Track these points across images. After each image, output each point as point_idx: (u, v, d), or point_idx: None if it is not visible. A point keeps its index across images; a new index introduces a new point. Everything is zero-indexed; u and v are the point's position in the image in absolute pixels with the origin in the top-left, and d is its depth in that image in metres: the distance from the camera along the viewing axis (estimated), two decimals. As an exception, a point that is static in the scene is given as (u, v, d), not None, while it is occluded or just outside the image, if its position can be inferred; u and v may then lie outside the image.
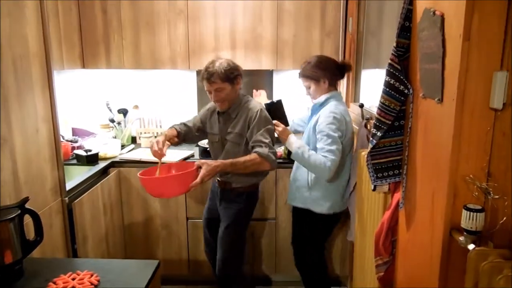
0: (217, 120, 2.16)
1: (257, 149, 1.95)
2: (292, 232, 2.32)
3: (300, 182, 2.14)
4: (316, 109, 2.13)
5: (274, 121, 2.08)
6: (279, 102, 2.12)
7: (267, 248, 2.70)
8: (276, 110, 2.13)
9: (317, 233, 2.24)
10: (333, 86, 2.15)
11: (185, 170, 1.92)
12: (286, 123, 2.09)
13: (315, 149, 2.04)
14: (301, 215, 2.19)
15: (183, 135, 2.24)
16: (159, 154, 1.99)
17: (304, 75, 2.14)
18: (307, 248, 2.26)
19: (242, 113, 2.06)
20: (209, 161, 1.91)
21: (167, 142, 2.08)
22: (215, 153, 2.21)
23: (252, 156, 1.95)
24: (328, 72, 2.10)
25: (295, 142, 2.03)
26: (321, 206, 2.12)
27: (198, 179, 1.84)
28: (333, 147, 1.97)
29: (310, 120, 2.17)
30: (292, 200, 2.21)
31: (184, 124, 2.27)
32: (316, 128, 2.03)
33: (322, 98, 2.10)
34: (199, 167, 1.89)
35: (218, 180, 2.18)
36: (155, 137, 2.92)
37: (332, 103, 2.09)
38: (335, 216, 2.19)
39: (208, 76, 2.00)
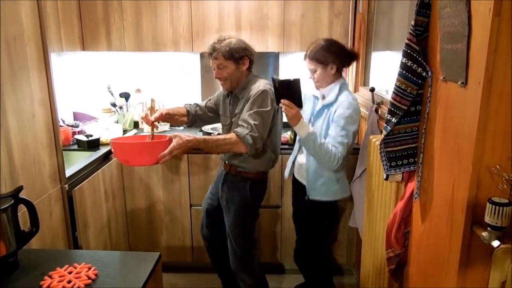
0: (229, 102, 2.08)
1: (238, 128, 1.86)
2: (308, 227, 2.19)
3: (325, 177, 2.03)
4: (330, 103, 1.99)
5: (287, 102, 1.84)
6: (297, 81, 1.85)
7: (273, 236, 2.65)
8: (291, 89, 1.86)
9: (334, 220, 2.23)
10: (339, 73, 2.02)
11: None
12: (299, 105, 1.87)
13: None
14: (324, 207, 2.11)
15: (193, 115, 2.20)
16: (146, 119, 1.98)
17: (312, 58, 1.98)
18: (319, 240, 2.20)
19: (247, 94, 1.97)
20: (183, 135, 1.80)
21: (161, 111, 2.04)
22: None
23: (229, 135, 1.87)
24: (337, 58, 1.96)
25: (307, 127, 1.89)
26: (347, 191, 2.11)
27: (166, 151, 1.74)
28: (345, 141, 1.89)
29: (321, 111, 2.03)
30: (318, 195, 2.07)
31: (197, 105, 2.22)
32: (334, 117, 1.93)
33: (336, 89, 1.98)
34: (171, 139, 1.80)
35: (224, 162, 2.11)
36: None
37: (347, 92, 1.98)
38: None
39: (211, 51, 1.94)
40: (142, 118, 2.02)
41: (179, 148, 1.77)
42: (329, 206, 2.12)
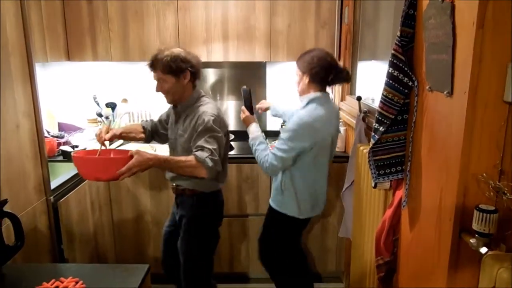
0: (174, 116, 2.02)
1: (197, 152, 1.78)
2: (262, 230, 2.21)
3: (276, 183, 2.07)
4: (296, 111, 1.98)
5: (243, 107, 2.16)
6: (244, 90, 2.18)
7: (250, 245, 2.64)
8: (243, 97, 2.19)
9: (284, 235, 2.16)
10: (317, 85, 1.95)
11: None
12: (251, 111, 2.17)
13: None
14: (273, 215, 2.12)
15: (150, 132, 2.15)
16: (99, 137, 1.93)
17: (296, 61, 2.01)
18: (273, 248, 2.19)
19: (192, 116, 1.89)
20: (144, 152, 1.71)
21: (114, 131, 2.00)
22: (171, 153, 2.06)
23: (189, 157, 1.77)
24: (314, 70, 1.90)
25: (251, 133, 2.08)
26: (292, 210, 2.03)
27: (124, 168, 1.64)
28: (280, 154, 1.89)
29: (290, 117, 2.01)
30: (271, 199, 2.13)
31: (152, 120, 2.19)
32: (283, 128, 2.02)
33: (304, 101, 1.96)
34: (132, 156, 1.70)
35: (172, 185, 2.04)
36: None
37: (311, 106, 1.91)
38: (305, 220, 2.10)
39: (150, 63, 1.87)
40: (95, 135, 1.95)
41: (139, 166, 1.67)
42: (277, 216, 2.09)
